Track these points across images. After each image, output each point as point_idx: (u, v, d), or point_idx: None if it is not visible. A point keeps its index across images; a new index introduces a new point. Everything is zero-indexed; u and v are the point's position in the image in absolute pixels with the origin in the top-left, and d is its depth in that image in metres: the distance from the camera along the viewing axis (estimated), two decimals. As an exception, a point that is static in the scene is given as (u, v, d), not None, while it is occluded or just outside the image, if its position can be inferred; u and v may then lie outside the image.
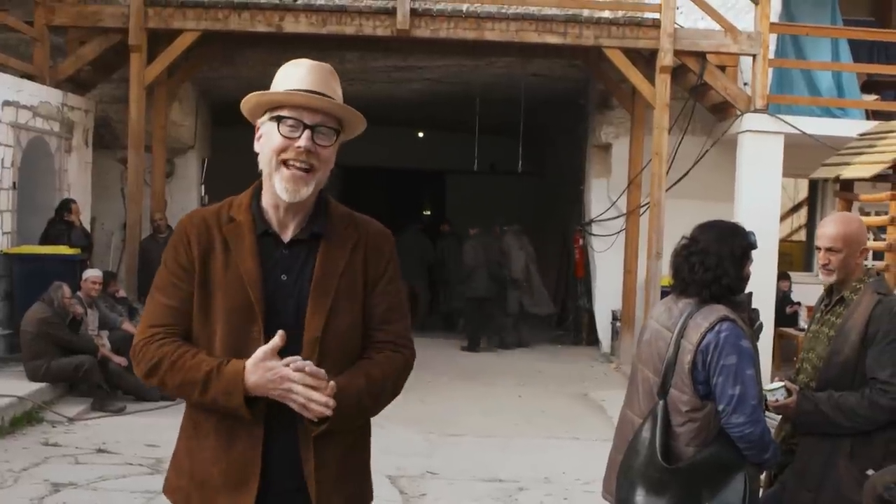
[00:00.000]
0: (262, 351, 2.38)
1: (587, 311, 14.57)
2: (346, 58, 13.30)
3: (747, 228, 3.63)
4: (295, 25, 11.48)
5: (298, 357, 2.40)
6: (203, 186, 14.49)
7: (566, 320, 15.67)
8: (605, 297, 13.67)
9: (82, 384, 9.01)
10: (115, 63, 12.19)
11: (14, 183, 10.54)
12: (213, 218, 2.57)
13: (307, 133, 2.48)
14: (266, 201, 2.57)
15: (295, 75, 2.54)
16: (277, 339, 2.37)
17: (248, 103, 2.57)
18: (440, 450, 8.09)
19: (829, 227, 3.81)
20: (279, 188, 2.49)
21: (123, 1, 11.64)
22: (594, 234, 13.97)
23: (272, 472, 2.48)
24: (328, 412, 2.35)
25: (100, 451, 7.48)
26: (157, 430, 7.85)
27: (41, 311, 9.09)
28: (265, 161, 2.52)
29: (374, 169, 20.68)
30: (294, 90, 2.50)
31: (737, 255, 3.50)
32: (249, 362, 2.38)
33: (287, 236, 2.56)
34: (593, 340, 14.30)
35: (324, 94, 2.52)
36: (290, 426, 2.47)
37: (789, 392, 3.75)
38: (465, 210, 18.18)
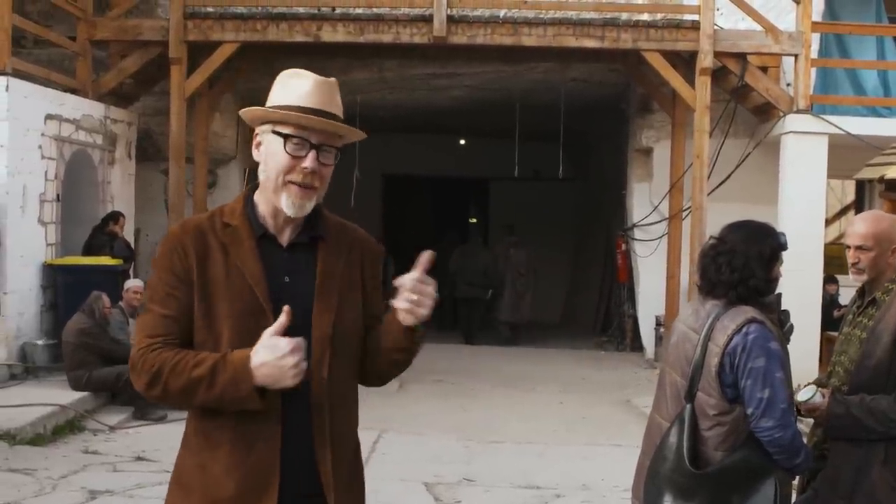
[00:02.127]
0: (267, 332, 2.35)
1: (631, 317, 14.44)
2: (385, 66, 13.33)
3: (781, 230, 3.54)
4: (332, 35, 11.53)
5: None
6: (246, 196, 14.56)
7: (610, 326, 15.55)
8: (649, 303, 13.52)
9: (124, 393, 9.05)
10: (157, 76, 12.32)
11: (58, 195, 10.71)
12: (206, 224, 2.54)
13: (313, 154, 2.47)
14: (263, 209, 2.55)
15: (300, 90, 2.49)
16: (283, 316, 2.34)
17: (253, 114, 2.54)
18: (479, 457, 8.04)
19: (859, 225, 3.71)
20: (285, 204, 2.48)
21: (163, 14, 11.78)
22: (636, 239, 13.84)
23: (288, 477, 2.42)
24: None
25: (139, 458, 7.53)
26: (196, 438, 7.86)
27: (81, 322, 9.20)
28: (269, 177, 2.50)
29: (415, 177, 20.69)
30: (300, 107, 2.46)
31: (765, 256, 3.41)
32: (256, 346, 2.34)
33: (285, 241, 2.56)
34: (638, 346, 14.16)
35: (331, 113, 2.50)
36: (305, 426, 2.43)
37: (823, 395, 3.65)
38: (509, 217, 18.06)
